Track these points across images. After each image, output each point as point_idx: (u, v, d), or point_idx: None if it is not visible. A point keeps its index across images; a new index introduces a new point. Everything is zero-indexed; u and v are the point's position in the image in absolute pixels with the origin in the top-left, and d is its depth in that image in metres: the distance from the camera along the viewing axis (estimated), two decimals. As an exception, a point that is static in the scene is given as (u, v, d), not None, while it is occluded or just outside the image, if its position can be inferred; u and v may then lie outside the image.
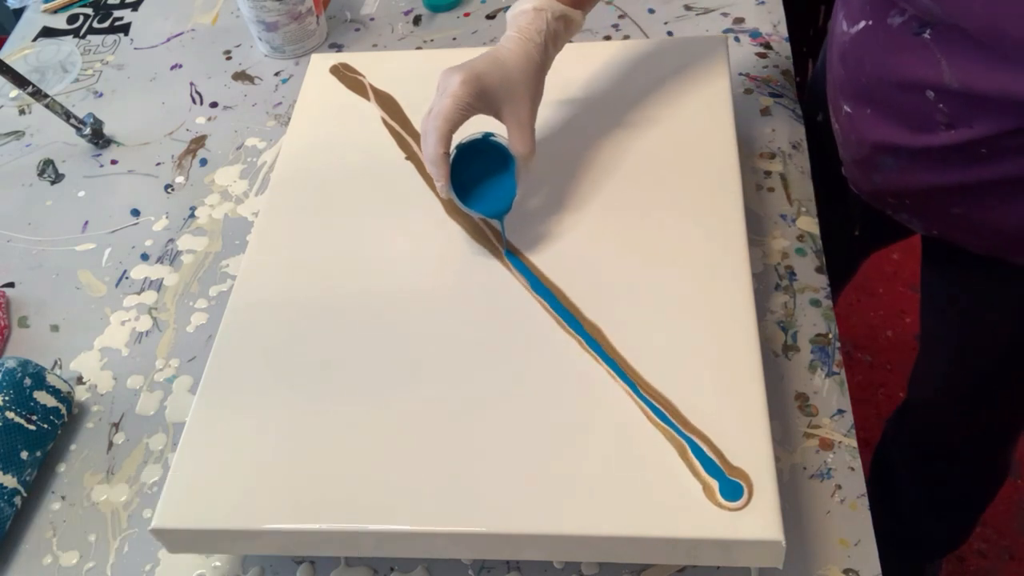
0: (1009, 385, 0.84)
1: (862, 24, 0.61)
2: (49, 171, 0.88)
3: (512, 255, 0.63)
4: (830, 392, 0.63)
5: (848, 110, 0.67)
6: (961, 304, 0.80)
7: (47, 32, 1.05)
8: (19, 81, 0.85)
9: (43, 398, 0.65)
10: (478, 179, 0.62)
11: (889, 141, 0.64)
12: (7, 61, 0.86)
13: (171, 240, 0.80)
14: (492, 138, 0.62)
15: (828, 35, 0.72)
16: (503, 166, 0.62)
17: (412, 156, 0.71)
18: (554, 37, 0.63)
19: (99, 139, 0.89)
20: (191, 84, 0.95)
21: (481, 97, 0.60)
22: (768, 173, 0.76)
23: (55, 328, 0.75)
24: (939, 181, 0.63)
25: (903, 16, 0.57)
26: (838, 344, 0.65)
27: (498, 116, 0.61)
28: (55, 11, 1.08)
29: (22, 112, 0.95)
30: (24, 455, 0.63)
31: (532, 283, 0.61)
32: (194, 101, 0.93)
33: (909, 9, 0.56)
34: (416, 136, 0.72)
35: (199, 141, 0.89)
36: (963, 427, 0.93)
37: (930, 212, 0.68)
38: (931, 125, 0.60)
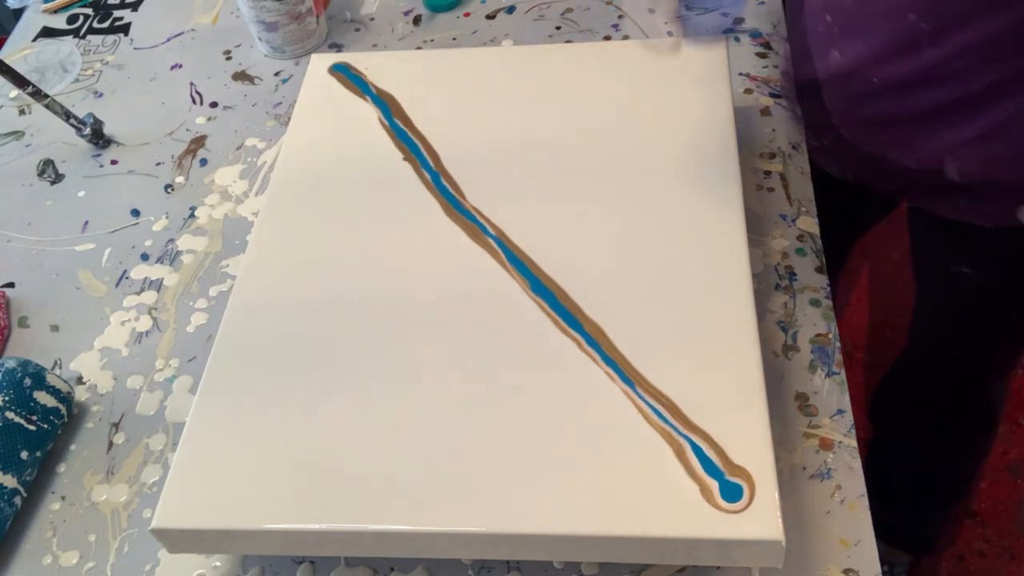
0: (978, 325, 0.87)
1: None
2: (49, 171, 0.88)
3: (512, 254, 0.63)
4: (830, 392, 0.63)
5: (837, 54, 0.70)
6: (936, 257, 0.84)
7: (47, 32, 1.05)
8: (19, 81, 0.85)
9: (43, 398, 0.65)
10: None
11: (881, 72, 0.67)
12: (7, 61, 0.86)
13: (171, 240, 0.80)
14: None
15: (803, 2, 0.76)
16: None
17: (410, 157, 0.71)
18: None
19: (99, 139, 0.89)
20: (191, 84, 0.95)
21: None
22: (768, 173, 0.76)
23: (55, 328, 0.75)
24: (930, 103, 0.66)
25: None
26: (838, 344, 0.65)
27: None
28: (55, 11, 1.08)
29: (22, 112, 0.95)
30: (24, 455, 0.63)
31: (532, 283, 0.61)
32: (194, 101, 0.93)
33: None
34: (418, 136, 0.72)
35: (199, 141, 0.89)
36: (942, 372, 0.96)
37: (920, 142, 0.70)
38: (916, 45, 0.63)
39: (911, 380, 1.02)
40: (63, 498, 0.65)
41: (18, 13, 1.10)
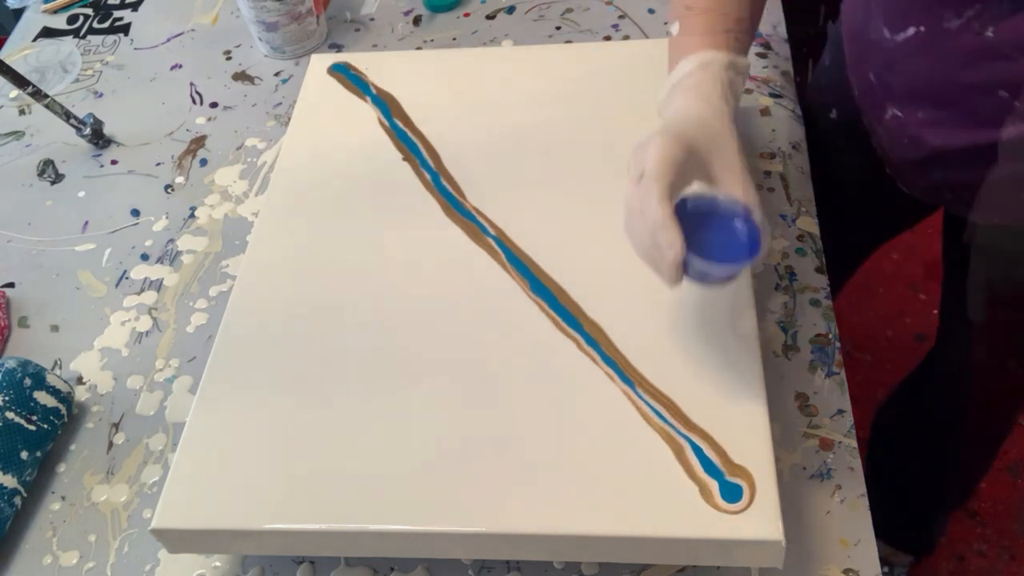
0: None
1: (911, 31, 0.60)
2: (49, 171, 0.88)
3: (512, 254, 0.63)
4: (830, 392, 0.63)
5: (898, 113, 0.65)
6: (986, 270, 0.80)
7: (47, 32, 1.05)
8: (19, 81, 0.85)
9: (43, 398, 0.65)
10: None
11: (953, 141, 0.62)
12: (7, 61, 0.86)
13: (171, 240, 0.80)
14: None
15: (849, 37, 0.71)
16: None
17: (410, 157, 0.71)
18: (730, 87, 0.56)
19: (99, 139, 0.89)
20: (191, 84, 0.95)
21: (689, 152, 0.51)
22: (768, 173, 0.76)
23: (55, 328, 0.75)
24: (1009, 172, 0.62)
25: (961, 19, 0.56)
26: (838, 344, 0.65)
27: (707, 175, 0.53)
28: (55, 11, 1.08)
29: (22, 112, 0.95)
30: (24, 455, 0.63)
31: (532, 283, 0.61)
32: (194, 101, 0.93)
33: (969, 10, 0.55)
34: (418, 135, 0.72)
35: (199, 141, 0.89)
36: (965, 383, 0.93)
37: (994, 201, 0.67)
38: (1002, 120, 0.59)
39: (931, 389, 1.01)
40: (63, 498, 0.65)
41: (18, 13, 1.10)
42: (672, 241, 0.48)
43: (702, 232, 0.51)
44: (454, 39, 0.94)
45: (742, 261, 0.51)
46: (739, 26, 0.58)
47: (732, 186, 0.52)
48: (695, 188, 0.52)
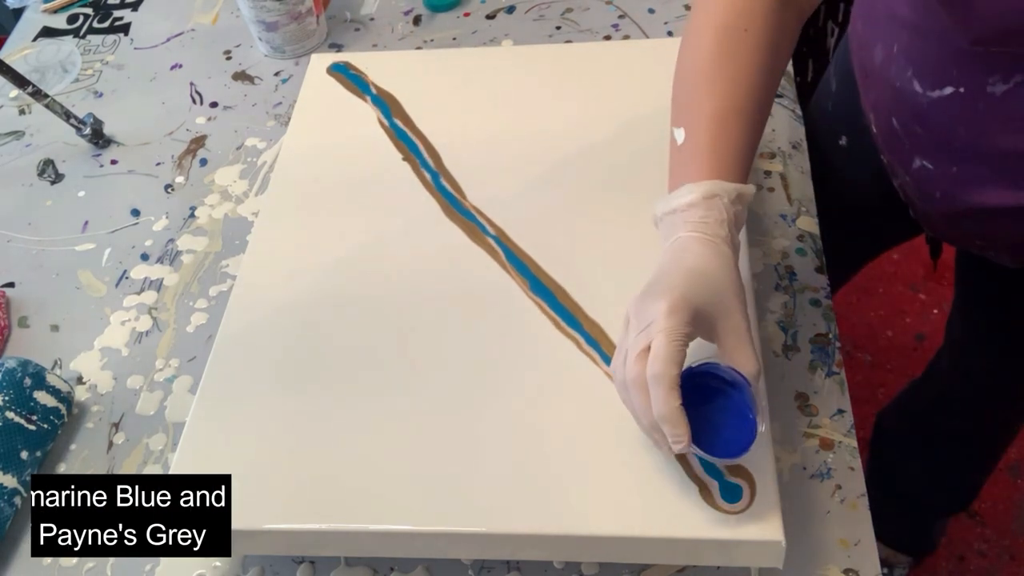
0: None
1: (949, 90, 0.56)
2: (49, 171, 0.88)
3: (512, 254, 0.63)
4: (830, 392, 0.63)
5: (928, 165, 0.61)
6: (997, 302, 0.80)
7: (47, 32, 1.05)
8: (19, 81, 0.85)
9: (43, 398, 0.65)
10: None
11: (991, 201, 0.58)
12: (7, 61, 0.85)
13: (171, 240, 0.80)
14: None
15: (862, 70, 0.67)
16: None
17: (410, 157, 0.71)
18: (735, 222, 0.53)
19: (99, 139, 0.89)
20: (191, 84, 0.95)
21: (695, 321, 0.48)
22: (768, 173, 0.76)
23: (55, 328, 0.75)
24: None
25: (1008, 84, 0.52)
26: (838, 344, 0.65)
27: (711, 336, 0.50)
28: (55, 11, 1.08)
29: (22, 112, 0.95)
30: (24, 455, 0.63)
31: (532, 283, 0.61)
32: (194, 101, 0.93)
33: (1018, 75, 0.51)
34: (418, 135, 0.72)
35: (199, 141, 0.89)
36: (975, 395, 0.93)
37: None
38: None
39: (937, 397, 1.00)
40: (63, 498, 0.65)
41: (18, 13, 1.10)
42: (678, 437, 0.46)
43: (700, 405, 0.49)
44: (454, 39, 0.94)
45: (739, 453, 0.49)
46: (747, 148, 0.55)
47: (736, 355, 0.50)
48: (698, 350, 0.50)
